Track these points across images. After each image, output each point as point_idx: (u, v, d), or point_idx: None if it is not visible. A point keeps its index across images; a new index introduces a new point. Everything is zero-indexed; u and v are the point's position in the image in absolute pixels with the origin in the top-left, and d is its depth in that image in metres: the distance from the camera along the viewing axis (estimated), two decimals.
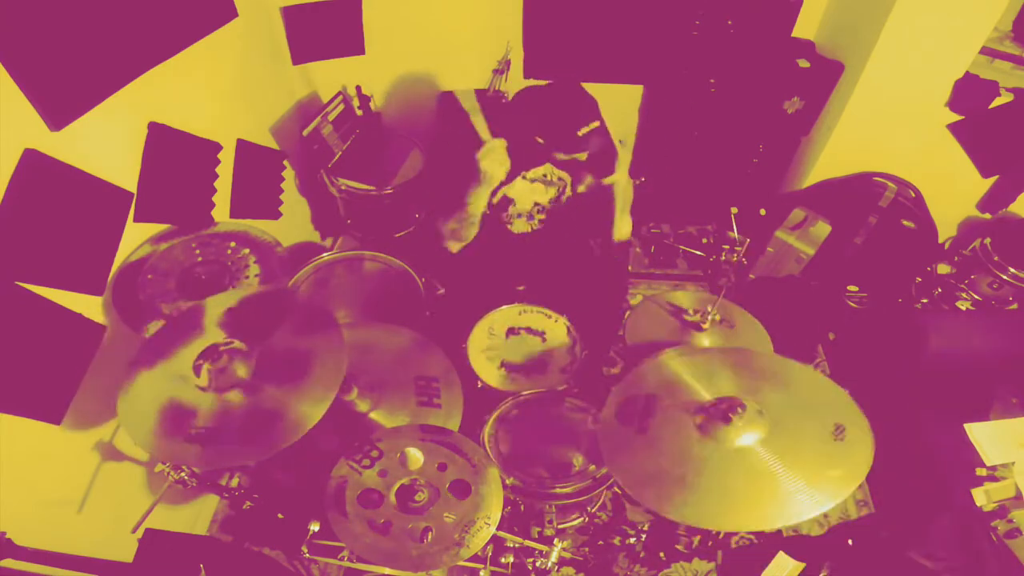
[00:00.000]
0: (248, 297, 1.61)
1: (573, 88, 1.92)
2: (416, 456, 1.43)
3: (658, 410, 1.47)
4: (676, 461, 1.37)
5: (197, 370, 1.41)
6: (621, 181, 2.11)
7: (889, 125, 2.65)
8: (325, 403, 1.37)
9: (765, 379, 1.52)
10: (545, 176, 2.05)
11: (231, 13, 2.06)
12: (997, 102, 2.49)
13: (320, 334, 1.50)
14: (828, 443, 1.35)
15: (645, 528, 1.93)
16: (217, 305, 1.58)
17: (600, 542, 2.00)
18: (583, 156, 1.94)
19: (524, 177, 2.03)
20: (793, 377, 1.54)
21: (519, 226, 2.16)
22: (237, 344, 1.45)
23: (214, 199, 2.09)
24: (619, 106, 3.02)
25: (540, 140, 1.90)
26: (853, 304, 2.89)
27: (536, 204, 2.11)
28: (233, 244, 1.84)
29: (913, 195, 2.77)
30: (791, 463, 1.32)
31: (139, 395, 1.42)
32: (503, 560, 1.54)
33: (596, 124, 1.85)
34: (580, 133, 1.84)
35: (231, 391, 1.40)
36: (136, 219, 1.75)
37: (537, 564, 1.57)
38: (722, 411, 1.38)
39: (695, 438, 1.40)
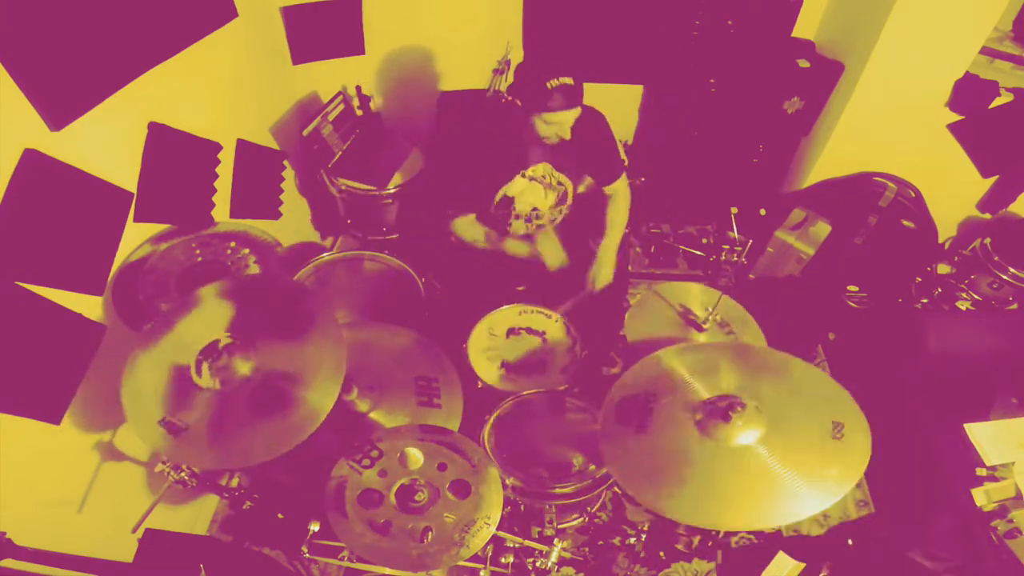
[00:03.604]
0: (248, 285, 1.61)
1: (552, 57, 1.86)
2: (416, 456, 1.43)
3: (657, 408, 1.47)
4: (676, 459, 1.37)
5: (199, 369, 1.41)
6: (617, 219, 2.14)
7: (889, 125, 2.65)
8: (333, 392, 1.37)
9: (764, 376, 1.52)
10: (544, 178, 2.05)
11: (231, 13, 2.06)
12: (997, 102, 2.49)
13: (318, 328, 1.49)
14: (827, 441, 1.35)
15: (645, 528, 1.93)
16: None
17: (600, 542, 2.00)
18: (565, 118, 1.82)
19: (523, 175, 2.02)
20: (792, 374, 1.54)
21: (517, 227, 2.16)
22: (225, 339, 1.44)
23: (214, 199, 2.09)
24: (619, 106, 3.02)
25: (517, 101, 1.83)
26: (853, 304, 2.89)
27: (534, 209, 2.11)
28: (233, 244, 1.84)
29: (913, 195, 2.77)
30: (790, 461, 1.32)
31: (141, 378, 1.44)
32: (503, 560, 1.55)
33: (568, 80, 1.76)
34: (548, 85, 1.75)
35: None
36: (136, 219, 1.75)
37: (537, 564, 1.57)
38: (721, 409, 1.38)
39: (695, 436, 1.40)
